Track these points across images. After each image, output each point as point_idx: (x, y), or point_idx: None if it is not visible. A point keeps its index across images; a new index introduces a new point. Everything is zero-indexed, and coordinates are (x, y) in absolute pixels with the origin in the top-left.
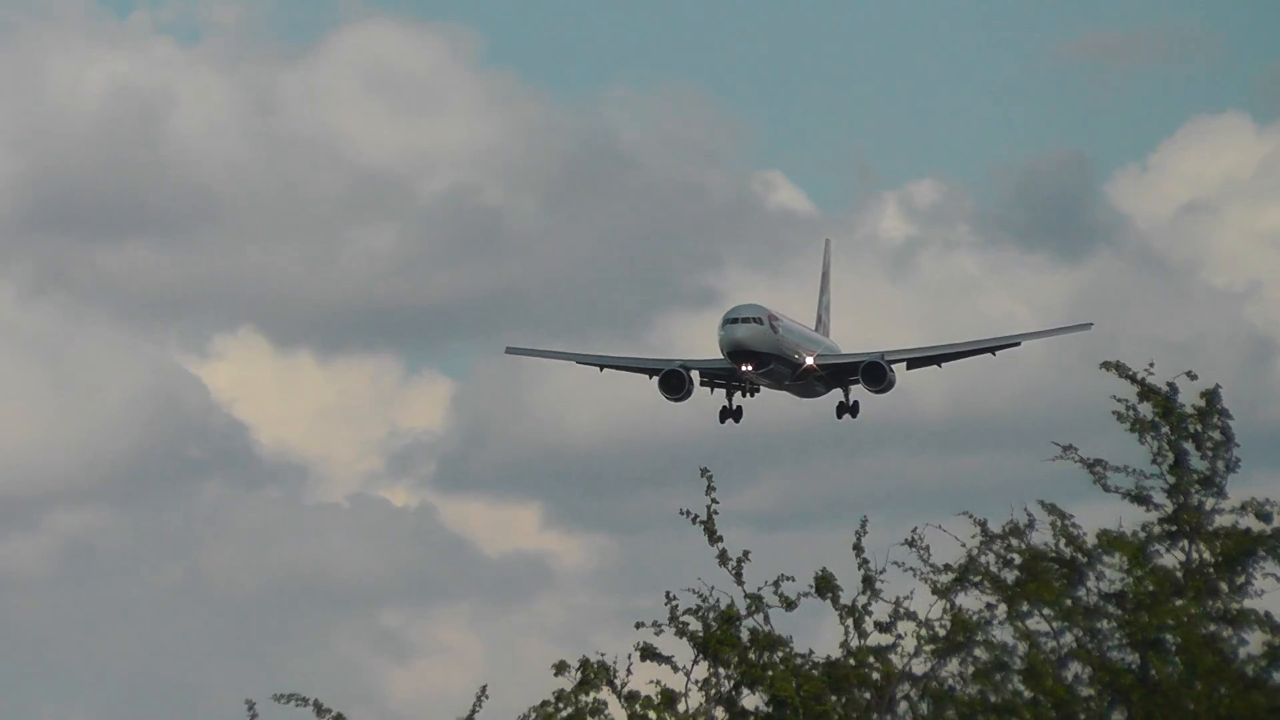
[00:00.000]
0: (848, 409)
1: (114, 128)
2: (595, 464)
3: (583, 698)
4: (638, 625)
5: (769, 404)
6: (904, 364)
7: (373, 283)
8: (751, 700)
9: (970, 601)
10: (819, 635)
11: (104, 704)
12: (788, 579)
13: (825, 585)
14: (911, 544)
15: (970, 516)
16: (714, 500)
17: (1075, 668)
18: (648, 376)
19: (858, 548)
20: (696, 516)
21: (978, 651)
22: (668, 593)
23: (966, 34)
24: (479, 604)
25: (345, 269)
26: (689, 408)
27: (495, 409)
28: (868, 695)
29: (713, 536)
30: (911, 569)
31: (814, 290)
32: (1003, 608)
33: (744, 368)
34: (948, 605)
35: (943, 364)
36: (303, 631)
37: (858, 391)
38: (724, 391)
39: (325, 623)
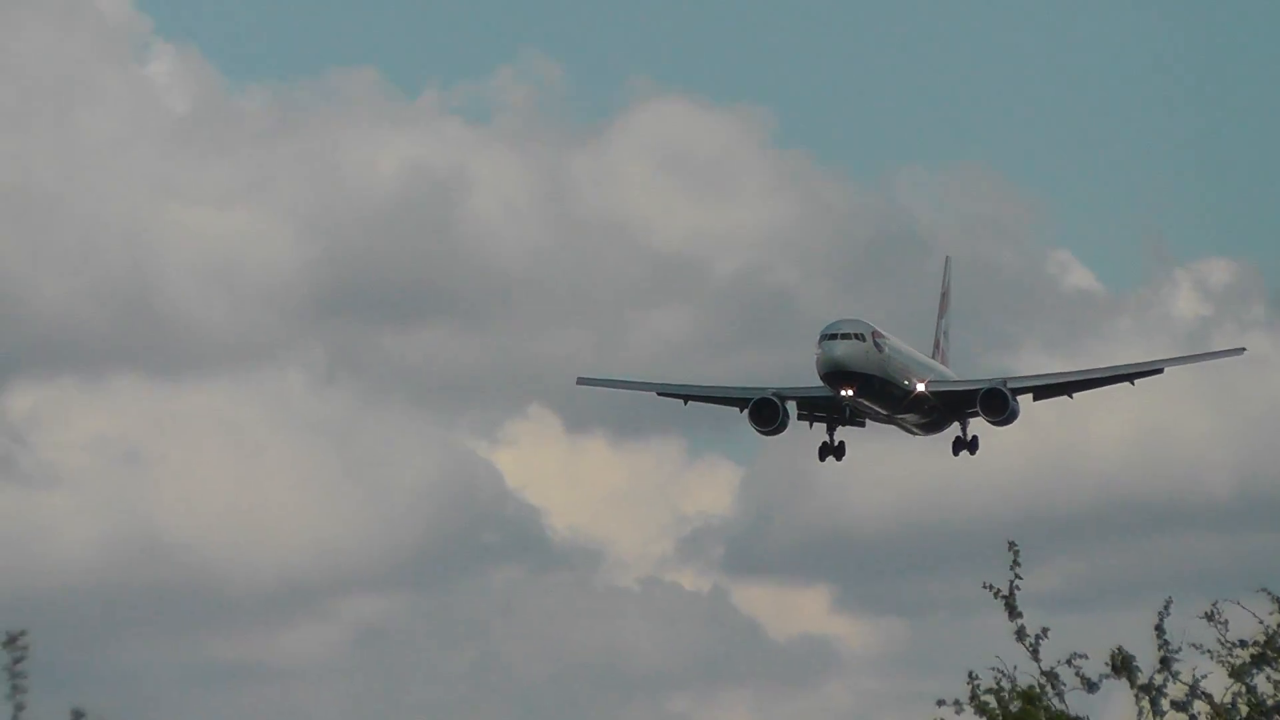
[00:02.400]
0: (965, 445)
1: (404, 210)
2: (882, 545)
3: None
4: (939, 703)
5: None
6: (1030, 395)
7: (664, 365)
8: None
9: (1265, 683)
10: (1112, 717)
11: None
12: (1081, 656)
13: (1123, 664)
14: (1210, 618)
15: (1268, 593)
16: (1018, 575)
17: None
18: (739, 410)
19: (1159, 629)
20: (999, 591)
21: None
22: (970, 671)
23: (1254, 111)
24: (766, 687)
25: (636, 351)
26: (786, 442)
27: (782, 491)
28: None
29: (1013, 612)
30: (1208, 651)
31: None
32: None
33: (843, 392)
34: (1242, 687)
35: (1073, 394)
36: (595, 715)
37: (977, 425)
38: (824, 425)
39: (616, 706)
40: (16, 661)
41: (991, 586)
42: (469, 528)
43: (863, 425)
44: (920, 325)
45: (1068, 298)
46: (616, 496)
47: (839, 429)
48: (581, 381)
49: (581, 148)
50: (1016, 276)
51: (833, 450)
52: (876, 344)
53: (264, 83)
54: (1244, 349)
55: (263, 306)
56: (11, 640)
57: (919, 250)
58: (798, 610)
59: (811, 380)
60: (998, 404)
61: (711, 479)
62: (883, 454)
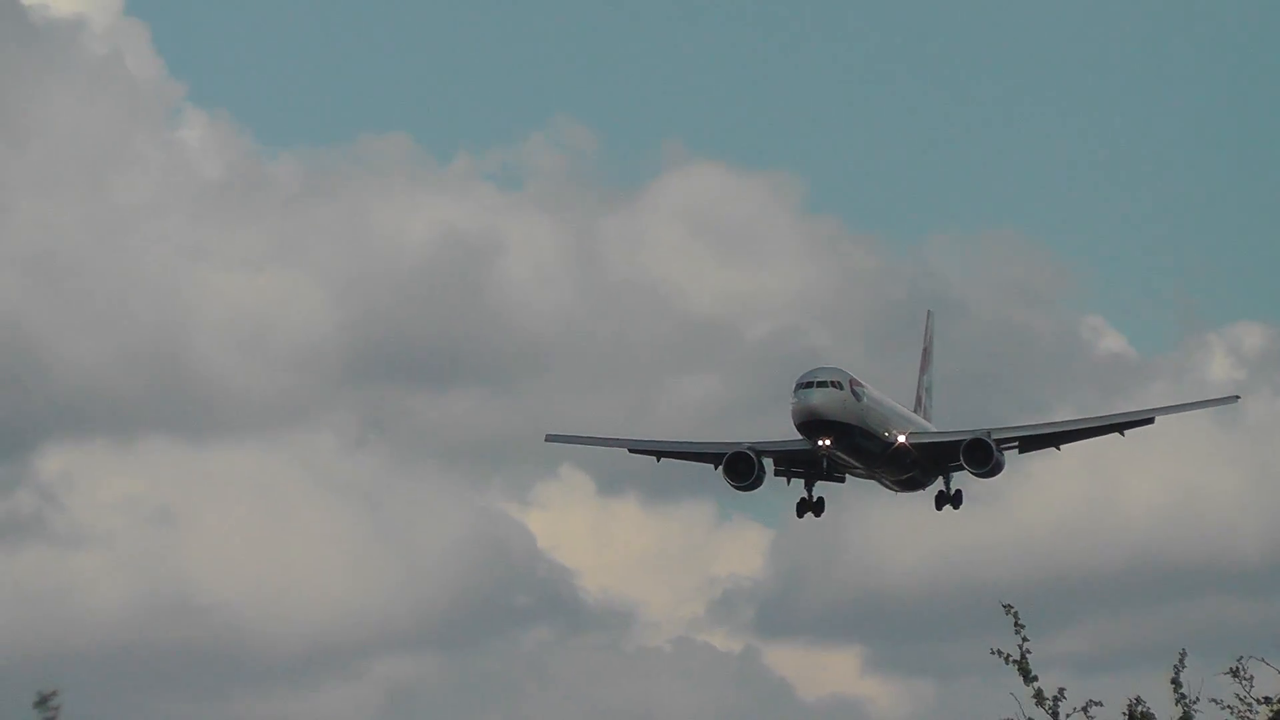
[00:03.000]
0: (949, 499)
1: (435, 275)
2: (911, 606)
3: None
4: None
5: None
6: (1016, 447)
7: (694, 428)
8: None
9: None
10: None
11: None
12: (1096, 704)
13: (1141, 717)
14: (1235, 674)
15: None
16: (1024, 639)
17: None
18: (713, 467)
19: (1175, 682)
20: (1009, 656)
21: None
22: None
23: None
24: None
25: (667, 414)
26: (762, 500)
27: (812, 553)
28: None
29: (1028, 676)
30: (1229, 706)
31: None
32: None
33: (821, 442)
34: None
35: (1061, 446)
36: None
37: (960, 479)
38: (803, 481)
39: None
40: None
41: (1001, 652)
42: (500, 589)
43: (842, 481)
44: (951, 389)
45: (1100, 363)
46: (647, 559)
47: (818, 484)
48: (550, 439)
49: (613, 213)
50: (1049, 342)
51: (811, 506)
52: (855, 393)
53: (296, 148)
54: (1238, 397)
55: (294, 370)
56: (43, 700)
57: (951, 315)
58: (827, 672)
59: (789, 434)
60: (981, 455)
61: (742, 542)
62: (910, 516)
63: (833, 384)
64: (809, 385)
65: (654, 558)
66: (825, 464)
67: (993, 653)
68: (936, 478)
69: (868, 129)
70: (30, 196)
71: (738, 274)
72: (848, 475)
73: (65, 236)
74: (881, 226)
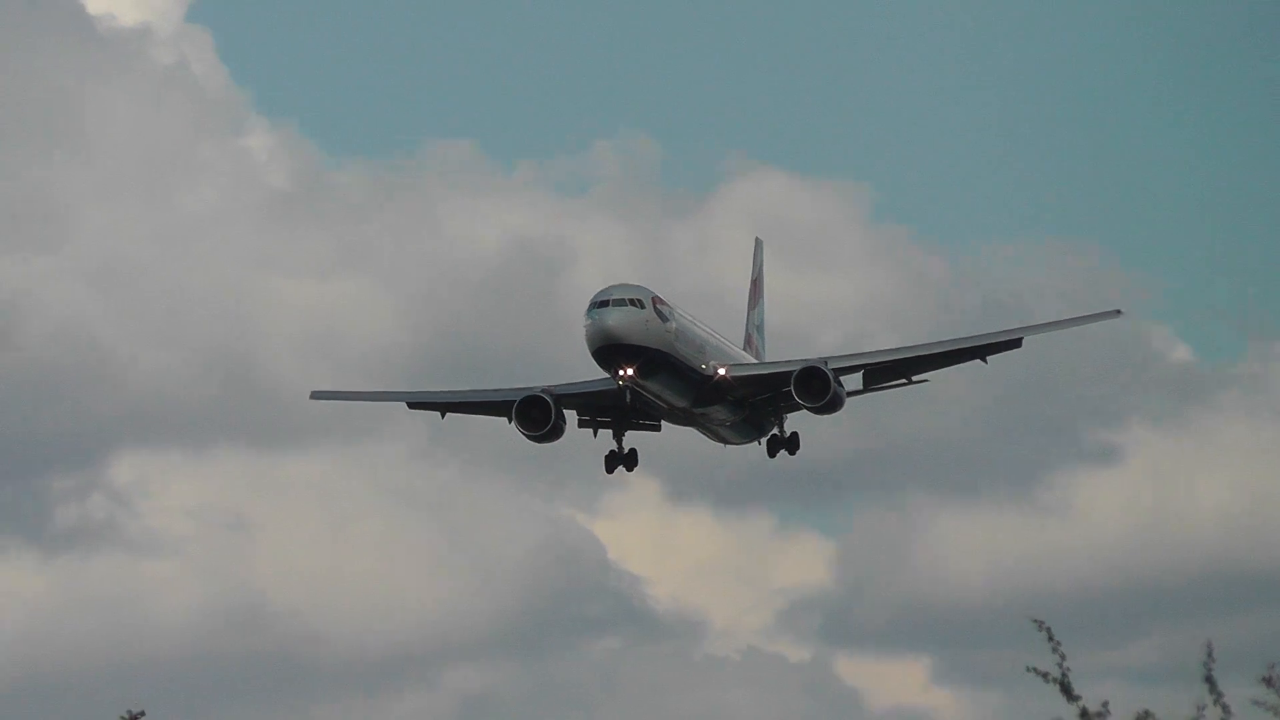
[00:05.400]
0: (783, 444)
1: (502, 282)
2: (982, 615)
3: None
4: None
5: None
6: (859, 375)
7: None
8: None
9: None
10: None
11: None
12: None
13: None
14: (1269, 682)
15: None
16: (1062, 656)
17: None
18: (506, 420)
19: (1210, 680)
20: (1049, 675)
21: None
22: None
23: None
24: None
25: None
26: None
27: (881, 562)
28: None
29: (1070, 694)
30: (1273, 708)
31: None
32: None
33: (621, 371)
34: None
35: (913, 378)
36: None
37: (796, 420)
38: (611, 432)
39: None
40: None
41: (1039, 670)
42: (569, 598)
43: (658, 428)
44: (1018, 397)
45: (1169, 373)
46: (714, 568)
47: (629, 434)
48: (316, 395)
49: (677, 221)
50: (1116, 352)
51: (622, 459)
52: (659, 313)
53: (360, 156)
54: (1120, 311)
55: (361, 377)
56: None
57: (1015, 323)
58: (894, 681)
59: (593, 375)
60: (818, 385)
61: (809, 552)
62: (978, 524)
63: (632, 302)
64: (603, 304)
65: (720, 568)
66: (631, 402)
67: (1028, 670)
68: (771, 425)
69: (934, 138)
70: (98, 206)
71: (803, 282)
72: (664, 420)
73: (133, 245)
74: (948, 235)
